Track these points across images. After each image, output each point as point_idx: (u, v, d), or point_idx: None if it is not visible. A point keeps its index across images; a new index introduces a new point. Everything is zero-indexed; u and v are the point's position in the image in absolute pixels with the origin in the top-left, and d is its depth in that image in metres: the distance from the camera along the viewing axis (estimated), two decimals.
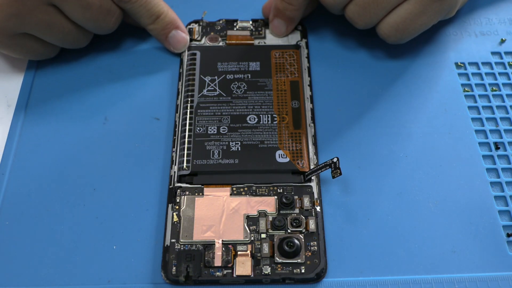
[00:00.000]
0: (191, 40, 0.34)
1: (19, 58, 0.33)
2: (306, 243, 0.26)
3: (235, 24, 0.35)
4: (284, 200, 0.27)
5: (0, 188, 0.29)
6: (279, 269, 0.25)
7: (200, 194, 0.28)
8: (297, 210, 0.27)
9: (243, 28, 0.35)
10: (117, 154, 0.30)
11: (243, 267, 0.25)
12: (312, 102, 0.32)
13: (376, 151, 0.30)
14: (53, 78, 0.33)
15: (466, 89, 0.33)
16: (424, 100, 0.32)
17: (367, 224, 0.28)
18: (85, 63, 0.34)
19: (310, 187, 0.28)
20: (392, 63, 0.34)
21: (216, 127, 0.30)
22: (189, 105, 0.31)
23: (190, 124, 0.30)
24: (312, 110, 0.31)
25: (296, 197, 0.28)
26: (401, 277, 0.26)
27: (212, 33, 0.35)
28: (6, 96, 0.33)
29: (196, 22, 0.35)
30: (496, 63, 0.34)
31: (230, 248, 0.26)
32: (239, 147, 0.29)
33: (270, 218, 0.27)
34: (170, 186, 0.28)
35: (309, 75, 0.33)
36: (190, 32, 0.34)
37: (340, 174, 0.27)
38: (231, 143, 0.29)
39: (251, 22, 0.35)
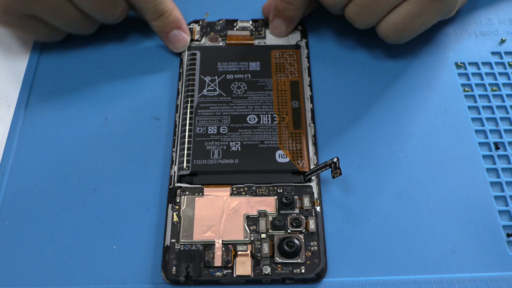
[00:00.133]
0: (191, 40, 0.34)
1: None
2: (306, 243, 0.26)
3: (235, 24, 0.35)
4: (284, 200, 0.27)
5: (0, 188, 0.29)
6: (279, 269, 0.25)
7: (200, 194, 0.28)
8: (297, 210, 0.27)
9: (243, 28, 0.35)
10: (117, 154, 0.30)
11: (243, 267, 0.25)
12: (312, 102, 0.32)
13: (376, 151, 0.30)
14: (53, 78, 0.33)
15: (466, 89, 0.33)
16: (424, 100, 0.32)
17: (367, 224, 0.28)
18: (85, 63, 0.34)
19: (310, 187, 0.28)
20: (392, 63, 0.34)
21: (216, 127, 0.30)
22: (189, 105, 0.31)
23: (190, 124, 0.30)
24: (312, 110, 0.31)
25: (296, 197, 0.28)
26: (401, 277, 0.26)
27: (212, 33, 0.35)
28: (6, 96, 0.33)
29: (196, 22, 0.35)
30: (496, 63, 0.34)
31: (230, 248, 0.26)
32: (239, 147, 0.29)
33: (270, 218, 0.27)
34: (170, 186, 0.28)
35: (309, 75, 0.33)
36: (190, 32, 0.34)
37: (340, 174, 0.27)
38: (231, 143, 0.29)
39: (251, 22, 0.35)
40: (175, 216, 0.27)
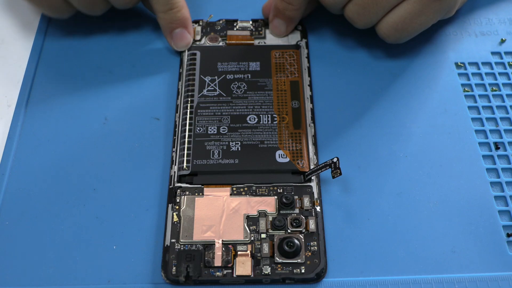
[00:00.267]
0: None
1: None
2: (306, 243, 0.26)
3: (235, 24, 0.35)
4: (284, 200, 0.27)
5: (0, 188, 0.29)
6: (279, 269, 0.25)
7: (200, 194, 0.28)
8: (297, 210, 0.27)
9: (243, 28, 0.35)
10: (117, 154, 0.30)
11: (243, 267, 0.25)
12: (312, 102, 0.32)
13: (376, 151, 0.30)
14: (53, 78, 0.33)
15: (466, 89, 0.33)
16: (424, 100, 0.32)
17: (367, 224, 0.28)
18: (85, 63, 0.34)
19: (310, 187, 0.28)
20: (392, 63, 0.34)
21: (216, 127, 0.30)
22: (189, 105, 0.31)
23: (190, 124, 0.30)
24: (312, 110, 0.31)
25: (296, 197, 0.28)
26: (401, 277, 0.26)
27: (212, 33, 0.35)
28: (6, 96, 0.33)
29: (196, 22, 0.35)
30: (496, 63, 0.34)
31: (230, 248, 0.26)
32: (239, 147, 0.29)
33: (270, 218, 0.27)
34: (170, 186, 0.28)
35: (309, 75, 0.33)
36: None
37: (340, 174, 0.27)
38: (231, 143, 0.29)
39: (251, 22, 0.35)
40: (175, 216, 0.27)
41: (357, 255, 0.27)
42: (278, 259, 0.26)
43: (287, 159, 0.29)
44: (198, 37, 0.34)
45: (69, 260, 0.26)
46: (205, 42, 0.34)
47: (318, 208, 0.27)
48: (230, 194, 0.28)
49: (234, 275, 0.25)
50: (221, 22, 0.35)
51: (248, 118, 0.30)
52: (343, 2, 0.31)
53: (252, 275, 0.25)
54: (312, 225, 0.27)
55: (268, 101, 0.31)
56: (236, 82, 0.32)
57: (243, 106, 0.31)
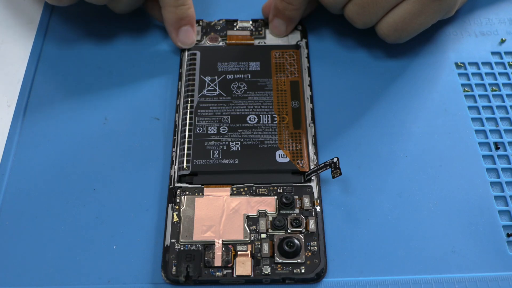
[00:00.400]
0: None
1: None
2: (306, 243, 0.26)
3: (235, 24, 0.35)
4: (284, 200, 0.27)
5: (0, 188, 0.29)
6: (279, 269, 0.25)
7: (200, 194, 0.28)
8: (297, 210, 0.27)
9: (243, 28, 0.35)
10: (117, 154, 0.30)
11: (243, 267, 0.25)
12: (312, 102, 0.32)
13: (376, 151, 0.30)
14: (53, 78, 0.33)
15: (466, 89, 0.33)
16: (424, 100, 0.32)
17: (367, 224, 0.28)
18: (85, 63, 0.34)
19: (310, 187, 0.28)
20: (392, 63, 0.34)
21: (216, 127, 0.30)
22: (189, 105, 0.31)
23: (190, 124, 0.30)
24: (312, 110, 0.31)
25: (296, 197, 0.28)
26: (401, 277, 0.26)
27: (212, 33, 0.35)
28: (6, 96, 0.33)
29: (196, 22, 0.35)
30: (496, 63, 0.34)
31: (230, 248, 0.26)
32: (239, 147, 0.29)
33: (270, 218, 0.27)
34: (170, 186, 0.28)
35: (309, 75, 0.33)
36: None
37: (340, 174, 0.27)
38: (231, 143, 0.29)
39: (251, 22, 0.35)
40: (175, 216, 0.27)
41: (357, 255, 0.27)
42: (278, 259, 0.26)
43: (287, 159, 0.29)
44: (198, 37, 0.34)
45: (69, 260, 0.26)
46: (205, 42, 0.34)
47: (318, 208, 0.27)
48: (230, 194, 0.28)
49: (234, 275, 0.25)
50: (221, 22, 0.35)
51: (248, 118, 0.30)
52: (343, 2, 0.31)
53: (252, 275, 0.25)
54: (312, 225, 0.27)
55: (268, 101, 0.31)
56: (236, 82, 0.32)
57: (243, 106, 0.31)
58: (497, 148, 0.31)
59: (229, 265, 0.26)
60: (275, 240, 0.26)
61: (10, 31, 0.36)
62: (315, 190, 0.28)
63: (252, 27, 0.35)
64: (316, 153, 0.30)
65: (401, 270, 0.26)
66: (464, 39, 0.36)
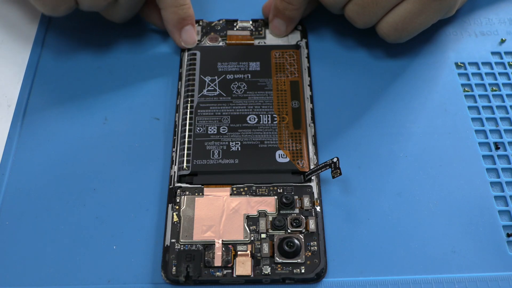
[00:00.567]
0: None
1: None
2: (306, 243, 0.26)
3: (235, 24, 0.35)
4: (284, 200, 0.27)
5: (0, 188, 0.29)
6: (279, 269, 0.25)
7: (200, 194, 0.28)
8: (297, 210, 0.27)
9: (243, 28, 0.35)
10: (117, 154, 0.30)
11: (243, 267, 0.25)
12: (312, 102, 0.32)
13: (376, 151, 0.30)
14: (53, 78, 0.33)
15: (466, 89, 0.33)
16: (424, 100, 0.32)
17: (367, 224, 0.28)
18: (85, 63, 0.34)
19: (310, 187, 0.28)
20: (392, 63, 0.34)
21: (216, 127, 0.30)
22: (189, 105, 0.31)
23: (190, 124, 0.30)
24: (312, 110, 0.31)
25: (296, 197, 0.28)
26: (401, 277, 0.26)
27: (212, 33, 0.35)
28: (6, 96, 0.33)
29: (196, 22, 0.35)
30: (496, 63, 0.34)
31: (230, 248, 0.26)
32: (239, 147, 0.29)
33: (270, 218, 0.27)
34: (170, 186, 0.28)
35: (309, 75, 0.33)
36: None
37: (340, 174, 0.27)
38: (231, 143, 0.29)
39: (251, 22, 0.35)
40: (175, 216, 0.27)
41: (357, 255, 0.27)
42: (278, 259, 0.26)
43: (287, 159, 0.29)
44: (198, 37, 0.34)
45: (69, 260, 0.26)
46: (205, 42, 0.34)
47: (318, 208, 0.27)
48: (230, 194, 0.28)
49: (234, 275, 0.25)
50: (221, 22, 0.35)
51: (248, 118, 0.30)
52: (343, 2, 0.31)
53: (252, 275, 0.25)
54: (312, 225, 0.27)
55: (268, 101, 0.31)
56: (236, 82, 0.32)
57: (243, 106, 0.31)
58: (497, 148, 0.31)
59: (229, 265, 0.26)
60: (275, 240, 0.26)
61: (10, 31, 0.36)
62: (315, 190, 0.28)
63: (252, 27, 0.35)
64: (316, 153, 0.30)
65: (401, 270, 0.26)
66: (464, 39, 0.36)
